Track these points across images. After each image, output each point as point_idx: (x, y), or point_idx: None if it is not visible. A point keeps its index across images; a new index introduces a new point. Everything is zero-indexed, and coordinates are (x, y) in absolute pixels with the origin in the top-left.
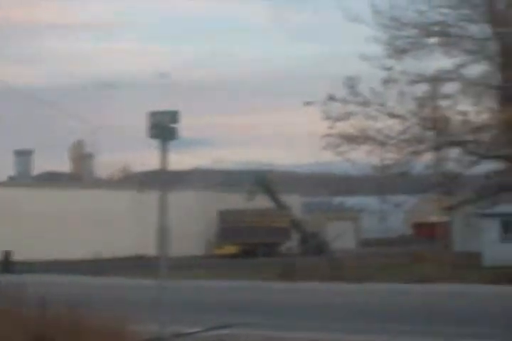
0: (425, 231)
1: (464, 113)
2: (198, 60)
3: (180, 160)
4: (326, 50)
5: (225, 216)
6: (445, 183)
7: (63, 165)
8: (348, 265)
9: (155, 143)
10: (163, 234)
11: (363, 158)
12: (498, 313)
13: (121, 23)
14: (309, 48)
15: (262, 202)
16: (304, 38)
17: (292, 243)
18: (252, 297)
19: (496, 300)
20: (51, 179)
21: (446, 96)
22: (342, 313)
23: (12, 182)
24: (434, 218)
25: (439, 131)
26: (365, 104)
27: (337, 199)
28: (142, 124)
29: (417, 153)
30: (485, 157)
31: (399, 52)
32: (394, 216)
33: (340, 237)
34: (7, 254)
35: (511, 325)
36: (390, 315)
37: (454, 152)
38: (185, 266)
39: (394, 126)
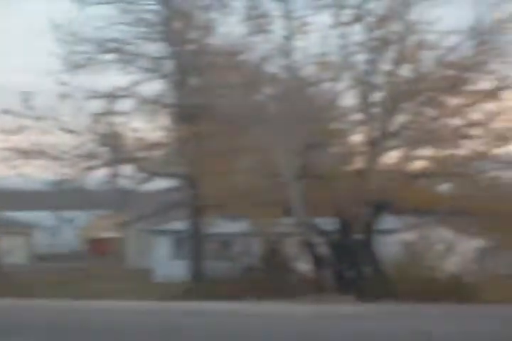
0: (99, 247)
1: (138, 130)
2: None
3: None
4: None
5: None
6: (119, 199)
7: None
8: (18, 280)
9: None
10: None
11: (37, 173)
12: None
13: None
14: None
15: None
16: None
17: None
18: None
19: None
20: None
21: (121, 113)
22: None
23: None
24: (107, 234)
25: (112, 148)
26: (40, 118)
27: (8, 214)
28: None
29: (91, 169)
30: (157, 174)
31: (75, 67)
32: (68, 231)
33: (10, 253)
34: None
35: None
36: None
37: (127, 168)
38: None
39: (69, 141)
